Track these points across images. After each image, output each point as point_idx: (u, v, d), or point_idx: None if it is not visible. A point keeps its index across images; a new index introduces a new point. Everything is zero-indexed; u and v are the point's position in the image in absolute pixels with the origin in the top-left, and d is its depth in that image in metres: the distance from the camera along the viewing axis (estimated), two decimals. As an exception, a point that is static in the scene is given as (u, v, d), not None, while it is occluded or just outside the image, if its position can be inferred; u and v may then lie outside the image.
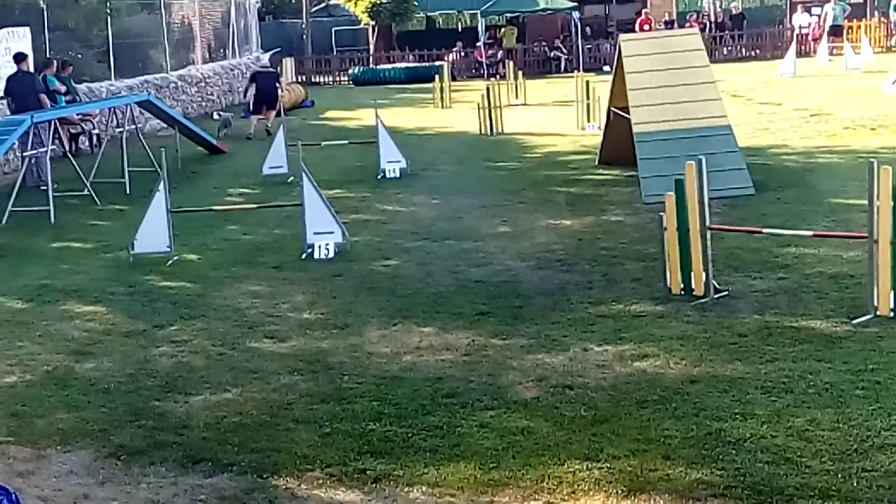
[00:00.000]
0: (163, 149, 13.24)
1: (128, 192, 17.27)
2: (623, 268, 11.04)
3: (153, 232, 12.38)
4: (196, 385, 8.11)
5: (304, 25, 46.34)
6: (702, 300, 9.61)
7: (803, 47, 38.66)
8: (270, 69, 26.71)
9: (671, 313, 9.33)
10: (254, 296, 10.72)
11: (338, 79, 43.88)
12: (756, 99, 26.59)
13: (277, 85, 25.28)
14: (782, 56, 35.02)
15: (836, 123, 20.99)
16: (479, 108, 23.61)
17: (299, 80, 40.81)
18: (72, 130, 21.66)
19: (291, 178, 17.21)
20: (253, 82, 25.21)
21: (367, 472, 6.38)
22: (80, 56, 25.54)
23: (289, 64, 40.84)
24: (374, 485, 6.24)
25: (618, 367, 8.03)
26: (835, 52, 36.65)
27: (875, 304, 8.80)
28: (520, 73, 31.22)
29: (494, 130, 23.28)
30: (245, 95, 27.38)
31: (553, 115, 25.72)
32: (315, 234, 12.37)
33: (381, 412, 7.36)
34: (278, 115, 22.57)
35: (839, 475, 5.94)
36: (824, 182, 15.03)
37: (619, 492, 5.94)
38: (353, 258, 12.12)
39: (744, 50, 43.29)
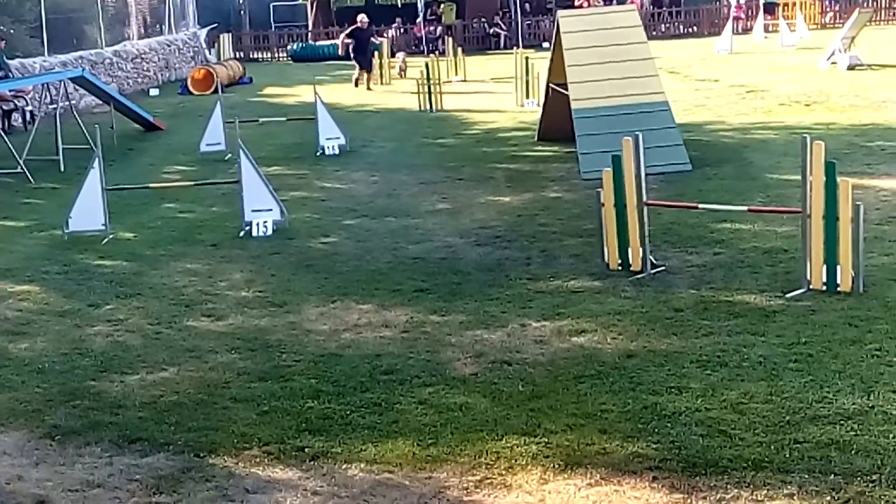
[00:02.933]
0: (97, 126, 13.07)
1: (62, 169, 17.04)
2: (561, 244, 11.09)
3: (88, 210, 12.22)
4: (132, 364, 8.03)
5: (241, 1, 45.85)
6: (639, 275, 9.69)
7: (739, 24, 39.01)
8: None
9: (609, 289, 9.39)
10: (191, 274, 10.64)
11: (276, 55, 43.55)
12: (693, 75, 26.77)
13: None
14: (719, 33, 35.32)
15: (771, 100, 21.20)
16: (418, 85, 23.54)
17: (237, 56, 40.45)
18: (4, 107, 21.29)
19: (229, 155, 17.07)
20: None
21: (306, 450, 6.37)
22: (12, 31, 25.14)
23: (226, 40, 40.39)
24: (312, 462, 6.22)
25: (555, 343, 8.07)
26: (770, 29, 37.02)
27: (808, 277, 8.91)
28: (459, 49, 31.18)
29: (434, 107, 23.24)
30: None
31: (492, 92, 25.71)
32: (253, 211, 12.30)
33: (320, 390, 7.34)
34: None
35: (772, 447, 6.02)
36: (760, 158, 15.18)
37: (556, 466, 5.98)
38: (292, 236, 12.06)
39: (681, 27, 43.61)
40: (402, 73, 30.23)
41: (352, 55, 28.47)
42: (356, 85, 28.44)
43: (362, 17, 28.73)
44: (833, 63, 25.75)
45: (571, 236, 11.34)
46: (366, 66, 28.38)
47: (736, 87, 23.69)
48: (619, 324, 8.42)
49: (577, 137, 14.91)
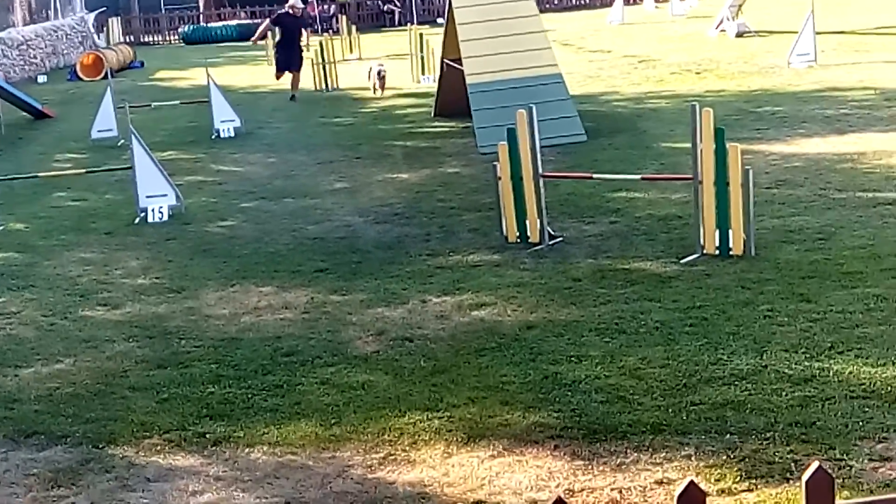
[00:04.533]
0: (-18, 115, 12.74)
1: (-52, 161, 16.58)
2: (460, 219, 11.12)
3: (-24, 202, 11.92)
4: (26, 357, 7.87)
5: (130, -16, 45.01)
6: (537, 247, 9.76)
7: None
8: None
9: (508, 261, 9.45)
10: (85, 263, 10.44)
11: (168, 38, 42.86)
12: (586, 47, 27.01)
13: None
14: (611, 4, 35.60)
15: (663, 69, 21.48)
16: (312, 64, 23.36)
17: (127, 40, 39.70)
18: None
19: (122, 141, 16.77)
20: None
21: (207, 436, 6.31)
22: None
23: (115, 24, 39.62)
24: (213, 448, 6.16)
25: (456, 317, 8.10)
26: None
27: (701, 243, 9.07)
28: (353, 27, 31.02)
29: (329, 86, 23.10)
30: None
31: (388, 69, 25.60)
32: (148, 197, 12.11)
33: (220, 374, 7.27)
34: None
35: (669, 410, 6.13)
36: (653, 127, 15.39)
37: (459, 439, 6.00)
38: (188, 220, 11.90)
39: (574, -1, 43.87)
40: (378, 88, 21.29)
41: (273, 50, 23.30)
42: (277, 77, 22.56)
43: (294, 1, 21.81)
44: (722, 31, 26.17)
45: (470, 211, 11.38)
46: (295, 65, 21.85)
47: (628, 57, 23.95)
48: (518, 296, 8.48)
49: (473, 112, 14.94)
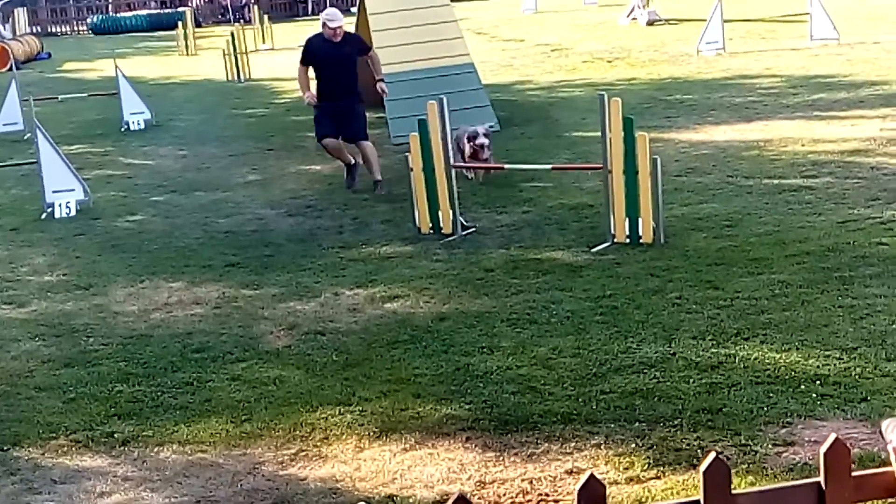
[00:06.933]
0: None
1: None
2: (373, 210, 11.09)
3: None
4: (-72, 359, 7.68)
5: (36, -27, 44.14)
6: (450, 238, 9.78)
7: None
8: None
9: (421, 253, 9.45)
10: (-10, 261, 10.23)
11: (76, 28, 42.11)
12: (500, 36, 27.09)
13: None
14: (524, -7, 35.74)
15: (575, 57, 21.63)
16: (224, 55, 23.14)
17: (33, 31, 38.91)
18: None
19: (28, 134, 16.42)
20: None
21: (115, 435, 6.21)
22: None
23: (21, 14, 38.80)
24: (122, 447, 6.08)
25: (369, 310, 8.08)
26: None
27: (612, 231, 9.16)
28: (266, 16, 30.76)
29: (242, 77, 22.90)
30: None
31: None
32: (54, 192, 11.91)
33: (129, 372, 7.17)
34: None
35: (580, 399, 6.17)
36: (565, 115, 15.49)
37: (371, 434, 5.99)
38: (97, 215, 11.72)
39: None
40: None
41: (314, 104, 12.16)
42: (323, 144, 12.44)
43: (330, 14, 12.00)
44: (633, 19, 26.44)
45: (383, 202, 11.36)
46: (353, 128, 12.07)
47: (541, 45, 24.08)
48: (431, 287, 8.48)
49: (386, 102, 14.87)
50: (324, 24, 11.77)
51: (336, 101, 11.70)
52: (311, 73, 12.11)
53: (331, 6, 35.84)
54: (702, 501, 2.88)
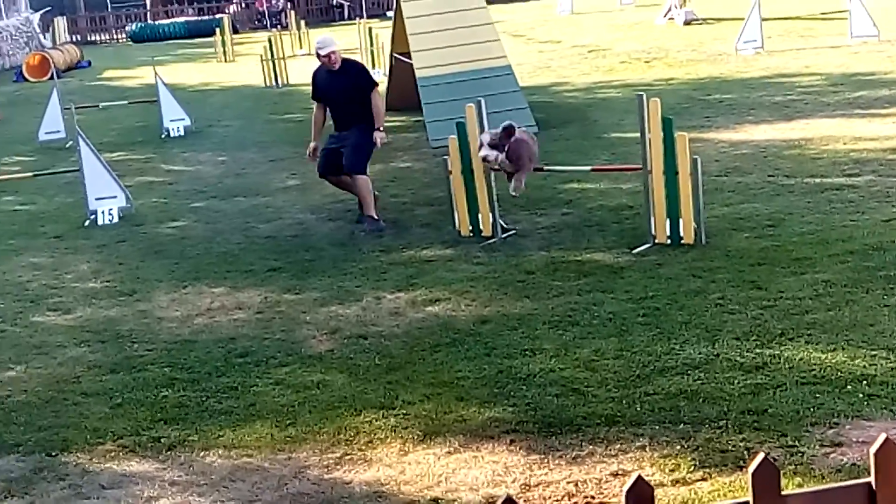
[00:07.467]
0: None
1: None
2: (413, 214, 11.11)
3: (-78, 208, 11.77)
4: (-24, 366, 7.77)
5: (75, -18, 44.58)
6: (490, 240, 9.78)
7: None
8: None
9: (461, 256, 9.46)
10: (35, 268, 10.33)
11: (115, 36, 42.48)
12: (536, 38, 27.07)
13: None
14: (560, -6, 35.70)
15: (612, 58, 21.57)
16: (262, 61, 23.26)
17: (73, 39, 39.29)
18: None
19: (70, 142, 16.58)
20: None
21: (162, 440, 6.26)
22: None
23: (61, 23, 39.19)
24: (168, 452, 6.12)
25: (410, 314, 8.09)
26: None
27: (653, 232, 9.12)
28: (303, 22, 30.90)
29: (279, 82, 23.02)
30: None
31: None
32: (97, 199, 12.01)
33: (174, 378, 7.22)
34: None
35: (623, 401, 6.16)
36: (603, 116, 15.45)
37: (415, 437, 6.00)
38: (139, 222, 11.82)
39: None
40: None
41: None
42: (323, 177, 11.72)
43: (323, 41, 11.26)
44: (670, 19, 26.34)
45: (422, 205, 11.38)
46: (352, 162, 10.97)
47: (578, 47, 24.04)
48: (472, 290, 8.48)
49: (424, 106, 14.95)
50: (317, 54, 11.13)
51: (340, 131, 11.09)
52: None
53: (368, 11, 35.92)
54: (751, 503, 2.86)
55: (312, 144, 11.22)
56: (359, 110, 10.89)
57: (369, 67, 22.49)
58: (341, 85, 10.91)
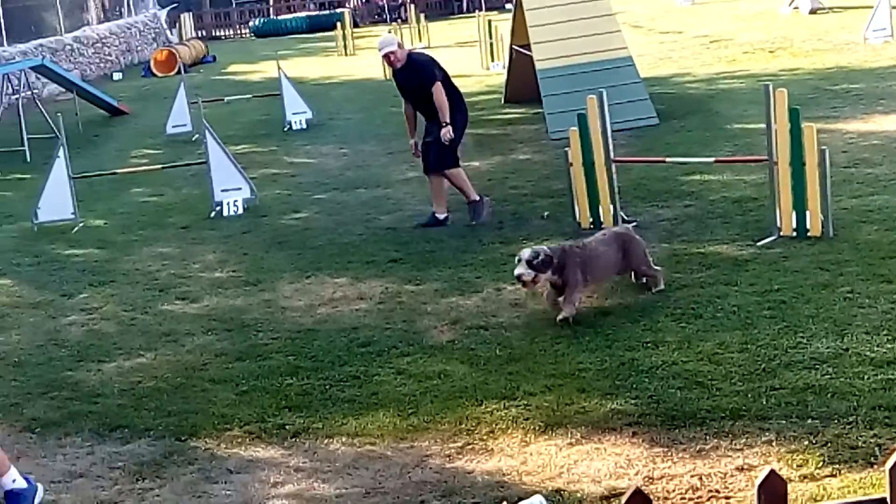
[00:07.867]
0: (59, 114, 12.97)
1: (28, 160, 16.91)
2: (532, 205, 11.09)
3: (56, 199, 12.15)
4: (108, 352, 8.00)
5: (200, -21, 45.50)
6: (611, 232, 9.69)
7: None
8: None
9: (582, 247, 9.39)
10: (163, 258, 10.59)
11: (239, 32, 43.26)
12: (657, 28, 26.74)
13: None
14: (681, -16, 35.19)
15: (735, 48, 21.20)
16: (382, 54, 23.42)
17: (199, 35, 40.14)
18: (-34, 100, 21.06)
19: (196, 136, 16.96)
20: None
21: (287, 427, 6.37)
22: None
23: (187, 19, 40.09)
24: (293, 439, 6.22)
25: (531, 305, 8.08)
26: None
27: (778, 225, 8.95)
28: (422, 15, 31.08)
29: (399, 75, 23.13)
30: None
31: (457, 57, 25.56)
32: (223, 191, 12.25)
33: (298, 366, 7.34)
34: None
35: (749, 395, 6.06)
36: (726, 108, 15.20)
37: (537, 428, 6.00)
38: (263, 213, 12.02)
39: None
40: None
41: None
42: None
43: (385, 40, 11.18)
44: (795, 8, 25.76)
45: (542, 197, 11.35)
46: (433, 159, 10.93)
47: (700, 37, 23.68)
48: (593, 282, 8.41)
49: (543, 98, 14.89)
50: (381, 48, 10.87)
51: (428, 123, 10.94)
52: None
53: (487, 3, 35.94)
54: (888, 499, 2.80)
55: (412, 141, 11.30)
56: (430, 106, 10.76)
57: (489, 60, 22.55)
58: (410, 83, 10.89)
